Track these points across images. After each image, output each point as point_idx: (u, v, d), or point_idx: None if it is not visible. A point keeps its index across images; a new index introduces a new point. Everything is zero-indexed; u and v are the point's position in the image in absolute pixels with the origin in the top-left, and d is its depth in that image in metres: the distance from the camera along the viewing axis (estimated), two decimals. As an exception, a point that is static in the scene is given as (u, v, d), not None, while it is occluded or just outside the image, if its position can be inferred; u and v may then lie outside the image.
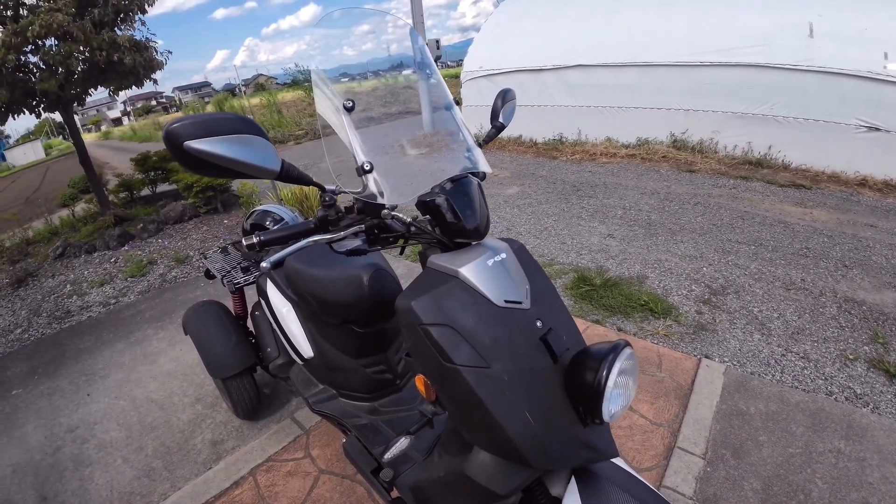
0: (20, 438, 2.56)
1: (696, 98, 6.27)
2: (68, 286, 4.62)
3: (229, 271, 2.36)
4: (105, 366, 3.12)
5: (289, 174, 0.99)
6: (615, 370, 0.92)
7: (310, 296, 1.73)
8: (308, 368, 1.95)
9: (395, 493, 1.47)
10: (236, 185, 6.36)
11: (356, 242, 1.13)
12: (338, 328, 1.76)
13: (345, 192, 1.13)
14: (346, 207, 1.16)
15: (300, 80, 20.52)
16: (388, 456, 1.24)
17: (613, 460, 1.14)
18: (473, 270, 1.01)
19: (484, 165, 1.21)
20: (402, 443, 1.23)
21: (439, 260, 1.06)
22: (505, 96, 1.39)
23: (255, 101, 20.96)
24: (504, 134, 8.42)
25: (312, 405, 1.87)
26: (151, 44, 6.01)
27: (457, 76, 10.51)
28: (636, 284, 3.40)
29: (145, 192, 7.16)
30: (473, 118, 7.78)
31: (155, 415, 2.59)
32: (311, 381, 1.94)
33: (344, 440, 1.76)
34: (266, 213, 2.29)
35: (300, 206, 4.95)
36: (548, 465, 1.01)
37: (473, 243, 1.09)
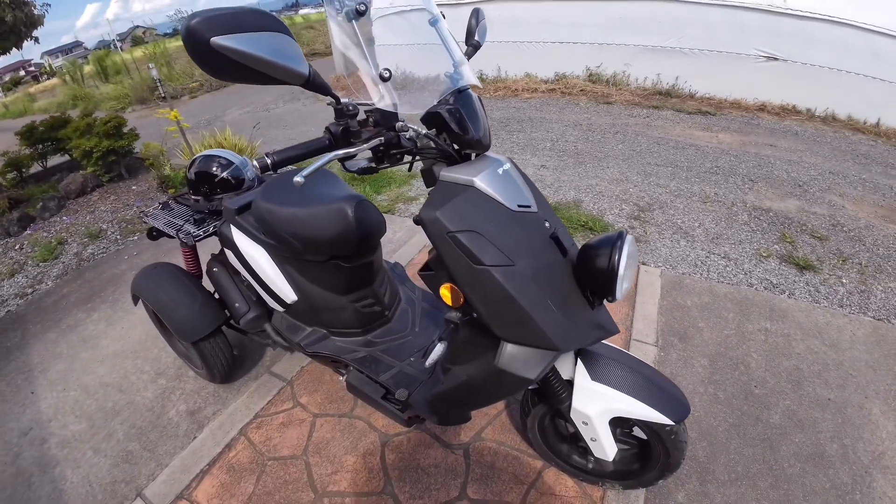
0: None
1: (609, 32, 6.42)
2: (-25, 285, 3.95)
3: (181, 226, 2.06)
4: (42, 359, 2.70)
5: (314, 80, 0.91)
6: (625, 252, 1.04)
7: (290, 236, 1.61)
8: (291, 314, 1.85)
9: (407, 414, 1.52)
10: (141, 148, 5.69)
11: (363, 163, 1.11)
12: (322, 266, 1.67)
13: (361, 105, 1.10)
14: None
15: (184, 29, 18.31)
16: (429, 361, 1.38)
17: (603, 341, 1.28)
18: (487, 179, 1.08)
19: (474, 79, 1.21)
20: (440, 347, 1.35)
21: (452, 172, 1.10)
22: (478, 15, 1.42)
23: (139, 53, 18.48)
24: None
25: (305, 348, 1.78)
26: None
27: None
28: (574, 208, 3.54)
29: (35, 168, 6.20)
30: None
31: (115, 398, 2.31)
32: (297, 325, 1.85)
33: (343, 377, 1.72)
34: (210, 158, 1.99)
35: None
36: (571, 346, 1.13)
37: (479, 155, 1.14)
